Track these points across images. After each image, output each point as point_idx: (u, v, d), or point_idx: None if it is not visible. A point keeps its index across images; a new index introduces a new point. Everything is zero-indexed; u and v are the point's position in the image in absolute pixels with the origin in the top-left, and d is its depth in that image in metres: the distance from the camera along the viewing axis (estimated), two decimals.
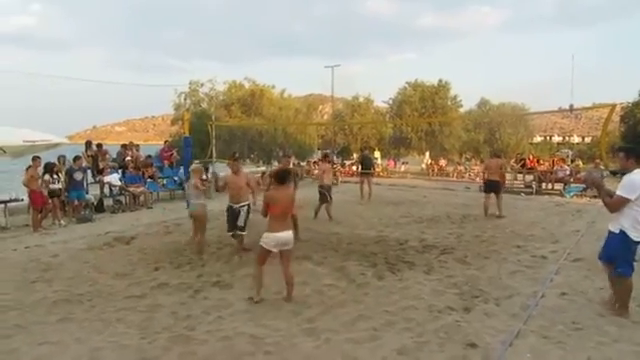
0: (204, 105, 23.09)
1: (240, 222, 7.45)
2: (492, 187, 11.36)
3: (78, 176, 11.77)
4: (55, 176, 11.36)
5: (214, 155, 15.79)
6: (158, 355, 4.10)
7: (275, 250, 5.26)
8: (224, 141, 19.70)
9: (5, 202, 11.66)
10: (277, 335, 4.48)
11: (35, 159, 10.94)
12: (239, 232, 7.49)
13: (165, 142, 17.95)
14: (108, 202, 13.28)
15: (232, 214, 7.53)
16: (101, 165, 13.51)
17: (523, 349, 4.16)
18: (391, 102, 30.80)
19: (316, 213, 10.79)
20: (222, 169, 20.86)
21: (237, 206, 7.51)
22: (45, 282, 6.37)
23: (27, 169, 11.38)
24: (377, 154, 26.09)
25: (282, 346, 4.23)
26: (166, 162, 16.03)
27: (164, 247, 8.18)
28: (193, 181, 7.76)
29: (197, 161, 7.89)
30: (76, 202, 11.65)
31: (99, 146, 14.50)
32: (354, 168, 18.53)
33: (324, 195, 10.75)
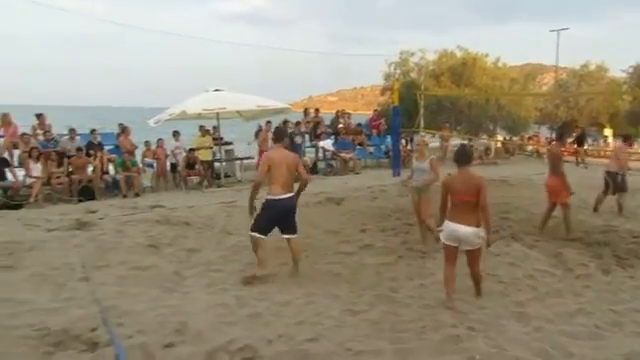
0: (413, 75, 23.00)
1: (294, 220, 5.36)
2: None
3: (298, 140, 13.04)
4: None
5: (421, 125, 15.70)
6: (364, 309, 4.35)
7: (453, 244, 4.42)
8: (431, 112, 19.41)
9: (241, 159, 13.69)
10: (481, 313, 4.31)
11: (267, 123, 12.48)
12: (290, 235, 5.32)
13: (374, 111, 18.53)
14: (321, 165, 14.48)
15: (282, 210, 5.22)
16: (319, 130, 14.67)
17: None
18: (631, 70, 26.10)
19: (596, 205, 8.54)
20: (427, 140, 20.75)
21: (287, 197, 5.19)
22: None
23: (258, 132, 13.12)
24: (607, 132, 22.57)
25: (487, 325, 4.06)
26: (374, 130, 16.58)
27: (370, 211, 8.56)
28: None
29: (422, 134, 6.95)
30: None
31: (317, 110, 15.77)
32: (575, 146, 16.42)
33: (614, 184, 8.38)
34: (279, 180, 5.13)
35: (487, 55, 23.34)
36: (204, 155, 12.11)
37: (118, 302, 4.39)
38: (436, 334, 3.85)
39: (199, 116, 12.05)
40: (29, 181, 9.84)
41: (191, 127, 13.71)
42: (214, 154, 12.59)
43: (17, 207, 9.23)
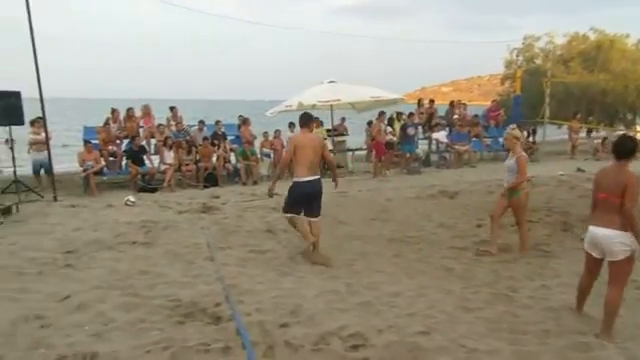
0: (538, 61, 21.32)
1: (319, 203, 5.57)
2: None
3: (411, 131, 12.83)
4: (390, 129, 12.81)
5: (547, 115, 14.53)
6: (479, 307, 4.17)
7: (593, 253, 3.80)
8: (558, 100, 17.83)
9: (352, 150, 13.84)
10: (617, 321, 3.90)
11: (381, 114, 12.45)
12: (313, 218, 5.52)
13: (492, 101, 17.54)
14: (434, 157, 14.10)
15: (307, 192, 5.43)
16: (433, 122, 14.28)
17: None
18: None
19: None
20: (552, 132, 19.13)
21: (312, 179, 5.42)
22: (382, 221, 7.30)
23: (370, 123, 13.17)
24: None
25: (622, 334, 3.67)
26: (492, 122, 15.73)
27: (486, 206, 8.12)
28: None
29: (512, 126, 5.97)
30: (407, 155, 12.80)
31: (431, 101, 15.35)
32: None
33: None
34: (304, 163, 5.31)
35: (628, 36, 20.86)
36: None
37: (239, 281, 4.70)
38: (560, 339, 3.56)
39: (314, 107, 12.35)
40: (163, 167, 10.89)
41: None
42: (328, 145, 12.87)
43: (153, 191, 10.27)
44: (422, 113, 14.59)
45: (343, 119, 14.46)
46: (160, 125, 11.99)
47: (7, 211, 7.89)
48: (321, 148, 5.48)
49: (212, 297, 4.27)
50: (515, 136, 5.67)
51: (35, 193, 9.42)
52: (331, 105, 12.07)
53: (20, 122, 9.23)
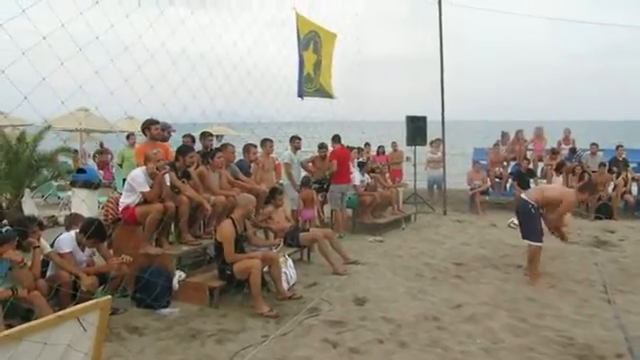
0: None
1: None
2: None
3: None
4: None
5: None
6: None
7: None
8: None
9: None
10: None
11: None
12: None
13: None
14: None
15: None
16: None
17: None
18: None
19: None
20: None
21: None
22: None
23: None
24: None
25: None
26: None
27: None
28: None
29: None
30: None
31: None
32: None
33: None
34: None
35: None
36: None
37: None
38: None
39: None
40: None
41: None
42: None
43: None
44: None
45: None
46: (553, 149, 11.40)
47: (408, 219, 9.20)
48: None
49: (612, 345, 3.76)
50: None
51: (428, 205, 10.63)
52: None
53: (423, 142, 10.65)
